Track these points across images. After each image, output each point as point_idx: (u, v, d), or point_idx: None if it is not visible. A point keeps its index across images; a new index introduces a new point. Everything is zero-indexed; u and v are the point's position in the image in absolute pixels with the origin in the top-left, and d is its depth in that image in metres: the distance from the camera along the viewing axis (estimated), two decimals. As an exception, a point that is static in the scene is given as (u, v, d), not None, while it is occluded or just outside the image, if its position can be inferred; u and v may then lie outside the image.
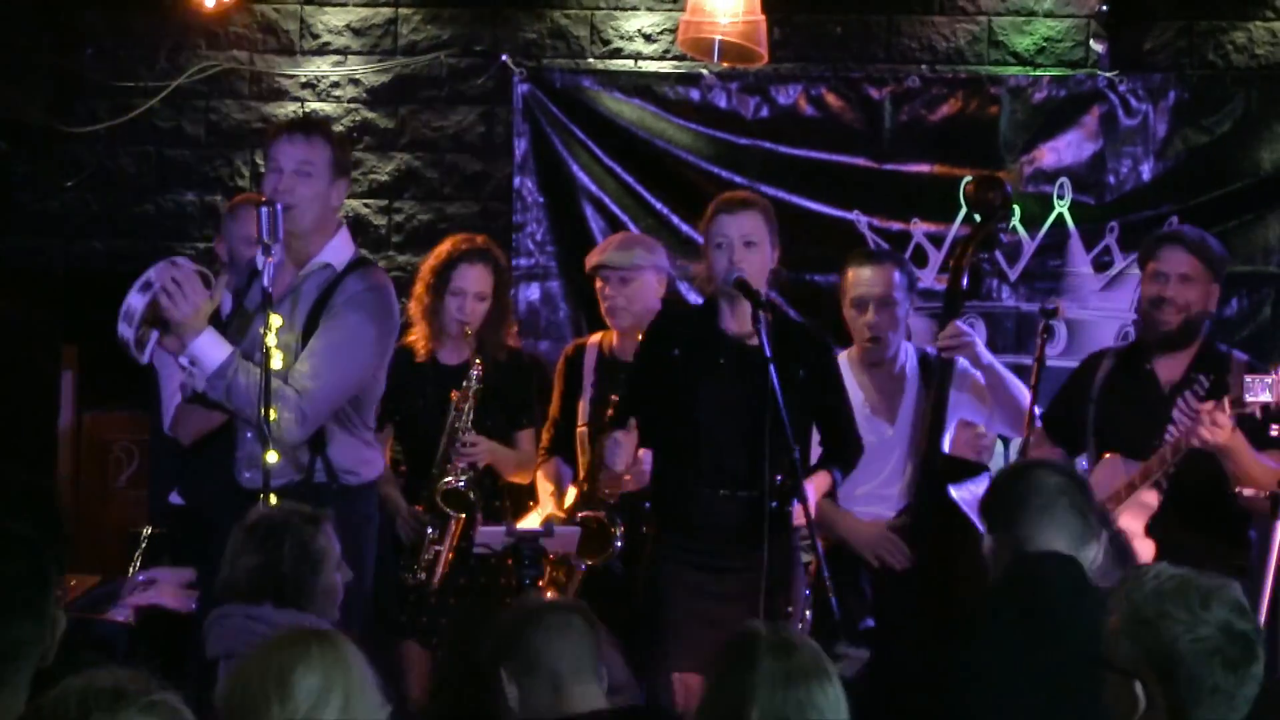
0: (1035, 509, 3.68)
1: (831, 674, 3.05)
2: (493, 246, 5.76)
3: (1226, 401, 4.85)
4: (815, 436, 5.20)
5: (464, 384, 5.50)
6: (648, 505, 5.09)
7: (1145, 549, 4.92)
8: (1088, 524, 3.71)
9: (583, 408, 5.76)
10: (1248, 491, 4.94)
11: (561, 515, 5.57)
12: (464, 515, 5.44)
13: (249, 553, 3.87)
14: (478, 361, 5.50)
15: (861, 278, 5.54)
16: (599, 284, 5.78)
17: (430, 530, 5.48)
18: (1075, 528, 3.69)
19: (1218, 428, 4.83)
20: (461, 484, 5.46)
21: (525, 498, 5.89)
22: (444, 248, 5.71)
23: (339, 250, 4.76)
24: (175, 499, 5.71)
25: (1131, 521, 4.96)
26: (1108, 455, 5.17)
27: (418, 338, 5.66)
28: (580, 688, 3.43)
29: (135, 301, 4.47)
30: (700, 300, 6.45)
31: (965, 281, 5.74)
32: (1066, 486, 3.72)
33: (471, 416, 5.50)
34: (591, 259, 5.84)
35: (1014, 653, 3.54)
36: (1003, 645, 3.58)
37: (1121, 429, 5.21)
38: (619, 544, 5.43)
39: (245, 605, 3.84)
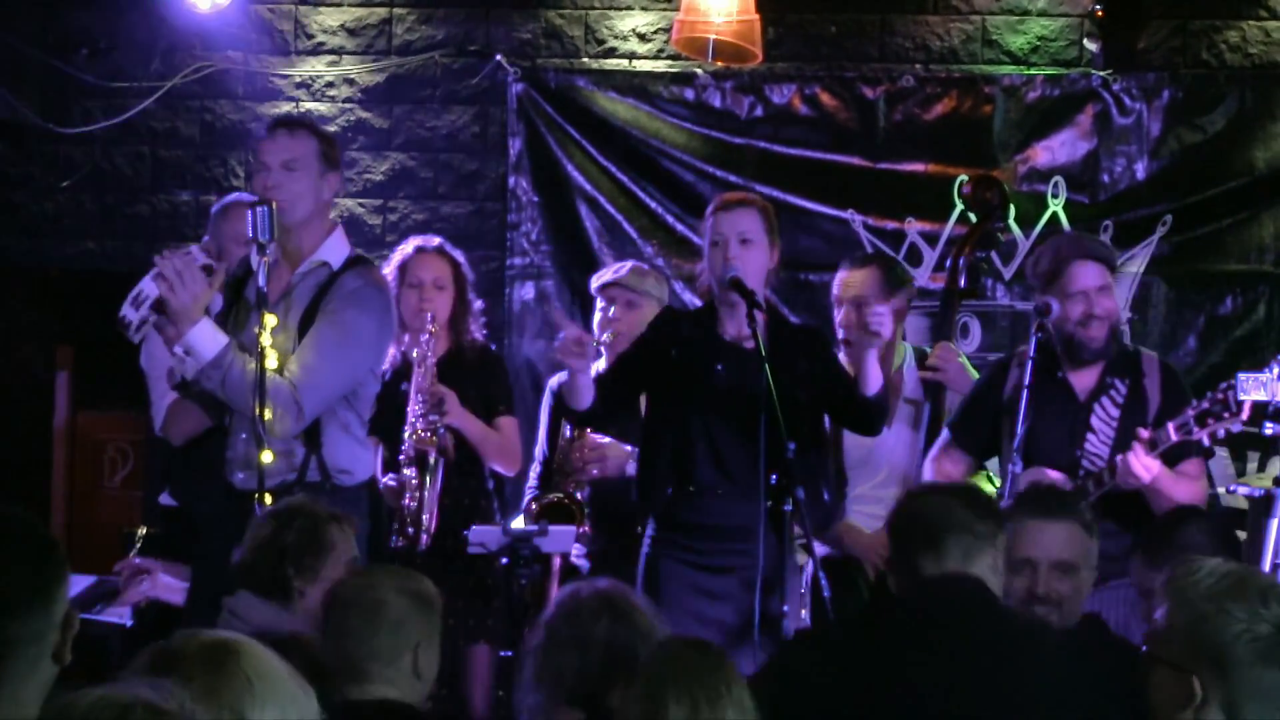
0: (925, 537, 3.49)
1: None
2: (447, 244, 5.80)
3: (1158, 438, 4.74)
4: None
5: (417, 350, 5.52)
6: (634, 498, 5.09)
7: None
8: (975, 541, 3.49)
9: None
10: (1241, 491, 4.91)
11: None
12: (441, 458, 5.45)
13: (263, 527, 3.94)
14: (430, 329, 5.52)
15: (841, 279, 5.61)
16: (603, 303, 5.79)
17: (413, 490, 5.45)
18: (965, 548, 3.48)
19: (1146, 470, 4.73)
20: (431, 434, 5.47)
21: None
22: (398, 249, 5.80)
23: (336, 249, 4.77)
24: (165, 499, 5.71)
25: None
26: (1031, 469, 4.98)
27: None
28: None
29: (149, 288, 4.50)
30: (694, 297, 6.51)
31: (963, 281, 5.74)
32: (954, 510, 3.52)
33: (435, 371, 5.51)
34: (603, 278, 5.83)
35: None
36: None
37: (1039, 440, 5.02)
38: (585, 528, 5.54)
39: (233, 598, 3.88)
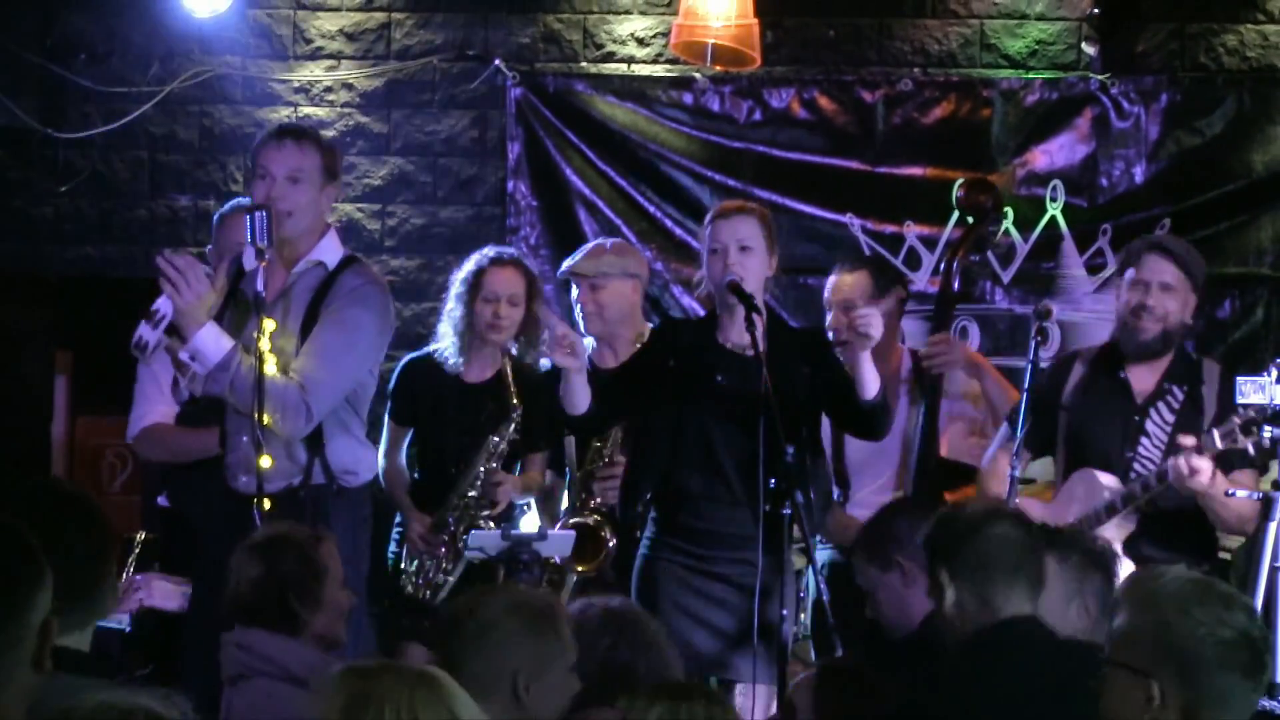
0: (1005, 570, 3.50)
1: None
2: (523, 256, 5.75)
3: (1203, 444, 4.74)
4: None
5: (502, 428, 5.44)
6: (640, 510, 5.06)
7: (1123, 568, 4.88)
8: (1042, 574, 3.59)
9: None
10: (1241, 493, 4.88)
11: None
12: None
13: (252, 565, 3.85)
14: (516, 403, 5.41)
15: (832, 282, 5.63)
16: (573, 292, 5.78)
17: (445, 564, 5.44)
18: (1035, 582, 3.55)
19: (1198, 475, 4.72)
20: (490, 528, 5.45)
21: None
22: (473, 257, 5.65)
23: (330, 249, 4.76)
24: (162, 501, 5.71)
25: (1113, 534, 4.95)
26: (1082, 469, 5.05)
27: (447, 348, 5.57)
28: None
29: (165, 307, 4.47)
30: (693, 301, 6.51)
31: (957, 284, 5.74)
32: (1027, 542, 3.56)
33: (504, 459, 5.47)
34: (563, 266, 5.82)
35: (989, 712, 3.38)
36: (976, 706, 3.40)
37: (1093, 440, 5.09)
38: (612, 551, 5.42)
39: (236, 631, 3.84)
